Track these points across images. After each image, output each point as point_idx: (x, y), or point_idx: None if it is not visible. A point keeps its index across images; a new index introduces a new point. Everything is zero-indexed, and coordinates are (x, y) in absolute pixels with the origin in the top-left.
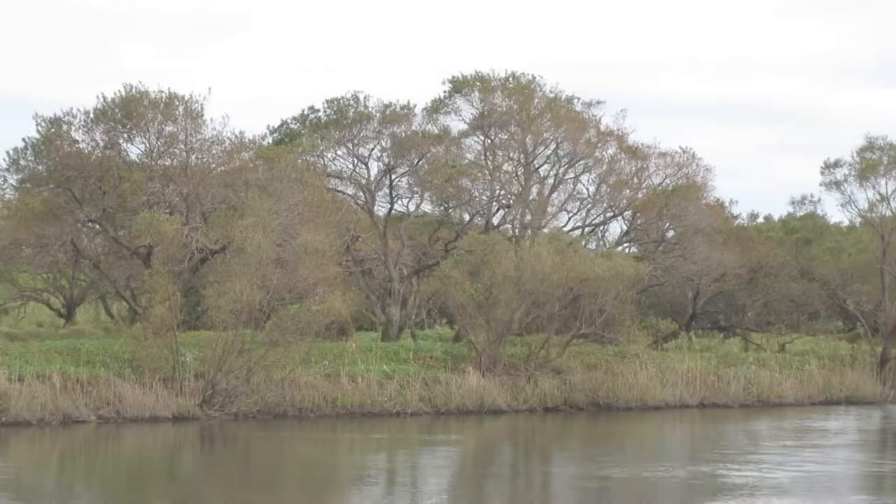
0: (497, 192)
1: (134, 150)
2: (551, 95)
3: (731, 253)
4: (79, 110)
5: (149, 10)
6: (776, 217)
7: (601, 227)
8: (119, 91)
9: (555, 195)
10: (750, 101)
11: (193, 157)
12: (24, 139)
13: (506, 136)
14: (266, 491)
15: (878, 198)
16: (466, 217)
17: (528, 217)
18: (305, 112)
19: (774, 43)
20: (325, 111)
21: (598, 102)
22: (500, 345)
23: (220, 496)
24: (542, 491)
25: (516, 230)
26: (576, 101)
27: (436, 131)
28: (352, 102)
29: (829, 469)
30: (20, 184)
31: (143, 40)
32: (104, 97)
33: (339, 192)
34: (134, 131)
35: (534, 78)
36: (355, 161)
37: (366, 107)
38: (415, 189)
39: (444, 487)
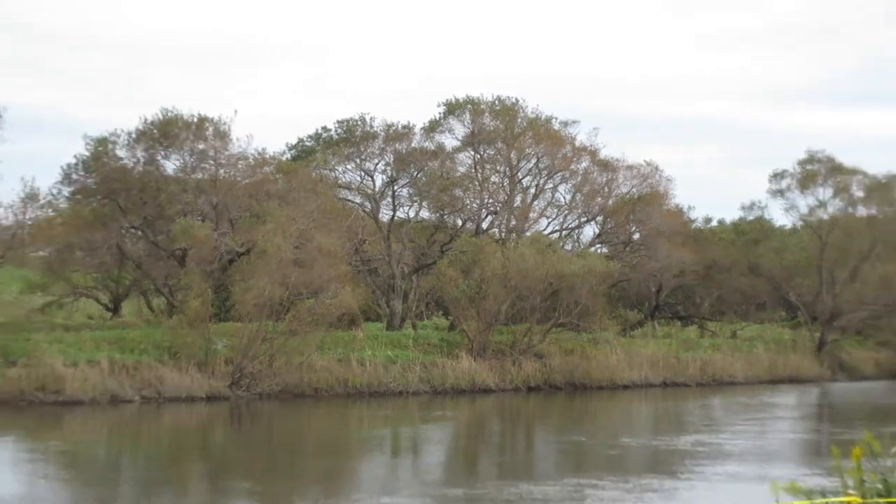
0: (486, 200)
1: (170, 166)
2: (532, 116)
3: (689, 252)
4: (122, 131)
5: (183, 44)
6: (728, 221)
7: (576, 231)
8: (157, 114)
9: (536, 203)
10: (706, 120)
11: (222, 171)
12: (75, 156)
13: (493, 152)
14: (287, 458)
15: (817, 203)
16: (459, 222)
17: (513, 222)
18: (319, 131)
19: (725, 71)
20: (336, 130)
21: (574, 122)
22: (489, 333)
23: (247, 463)
24: (525, 456)
25: (503, 233)
26: (554, 120)
27: (432, 148)
28: (359, 123)
29: (775, 438)
30: (72, 195)
31: (178, 69)
32: (145, 119)
33: (348, 201)
34: (170, 149)
35: (517, 101)
36: (362, 174)
37: (371, 127)
38: (414, 198)
39: (442, 454)
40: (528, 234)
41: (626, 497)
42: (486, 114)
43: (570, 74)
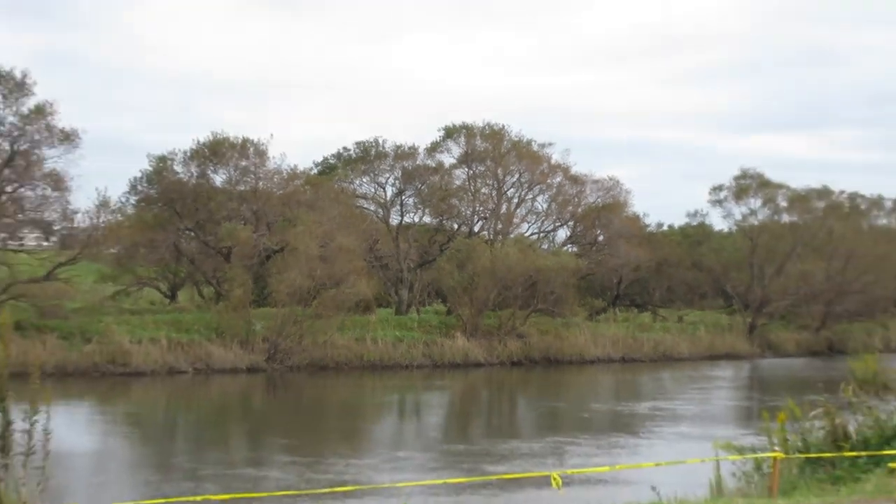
0: (477, 208)
1: (218, 179)
2: (516, 139)
3: (644, 251)
4: (179, 150)
5: (230, 79)
6: (676, 225)
7: (551, 233)
8: (208, 136)
9: (518, 210)
10: (657, 142)
11: (260, 183)
12: (140, 171)
13: (483, 168)
14: (315, 418)
15: (749, 212)
16: (455, 226)
17: (499, 226)
18: (340, 151)
19: (678, 104)
20: (354, 150)
21: (550, 144)
22: (480, 317)
23: (282, 422)
24: (511, 418)
25: (491, 235)
26: (533, 142)
27: (433, 165)
28: (373, 144)
29: (716, 404)
30: (137, 203)
31: (226, 100)
32: (197, 141)
33: (364, 208)
34: (218, 165)
35: (503, 126)
36: (376, 186)
37: (383, 147)
38: (418, 206)
39: (442, 416)
40: (511, 236)
41: (598, 452)
42: (478, 137)
43: (548, 106)
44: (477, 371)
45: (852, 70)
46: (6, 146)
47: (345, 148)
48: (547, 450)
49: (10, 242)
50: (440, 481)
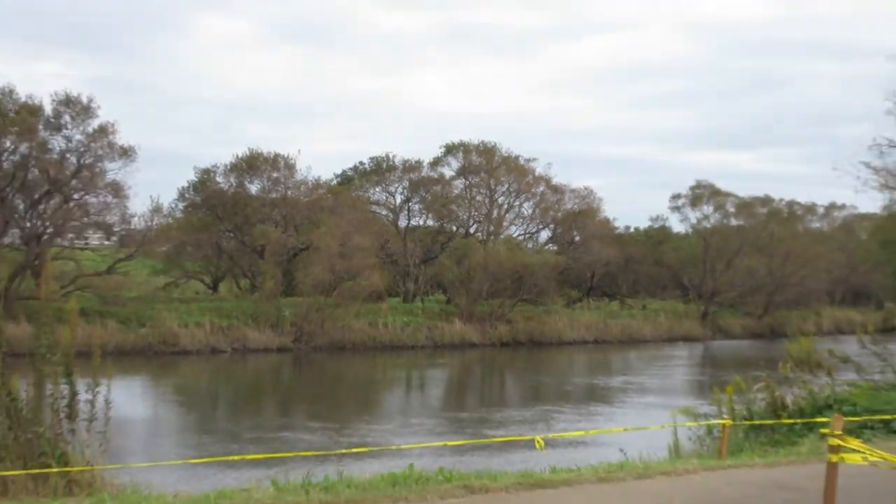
0: (472, 213)
1: (253, 188)
2: (506, 155)
3: (613, 250)
4: (220, 163)
5: (265, 103)
6: (641, 228)
7: (535, 234)
8: (245, 152)
9: (507, 215)
10: (627, 157)
11: (289, 192)
12: (187, 181)
13: (478, 179)
14: (333, 387)
15: (702, 216)
16: (454, 228)
17: (491, 228)
18: (356, 164)
19: (643, 123)
20: (368, 164)
21: (534, 158)
22: (474, 305)
23: (307, 390)
24: (504, 390)
25: (484, 236)
26: (520, 157)
27: (435, 176)
28: (384, 159)
29: (676, 379)
30: (185, 208)
31: (261, 121)
32: (236, 156)
33: (376, 213)
34: (253, 176)
35: (495, 144)
36: (387, 194)
37: (393, 162)
38: (423, 211)
39: (444, 389)
40: (501, 236)
41: (580, 418)
42: (473, 153)
43: (533, 125)
44: (472, 351)
45: (786, 95)
46: (74, 160)
47: (360, 162)
48: (537, 416)
49: (76, 242)
50: (451, 443)
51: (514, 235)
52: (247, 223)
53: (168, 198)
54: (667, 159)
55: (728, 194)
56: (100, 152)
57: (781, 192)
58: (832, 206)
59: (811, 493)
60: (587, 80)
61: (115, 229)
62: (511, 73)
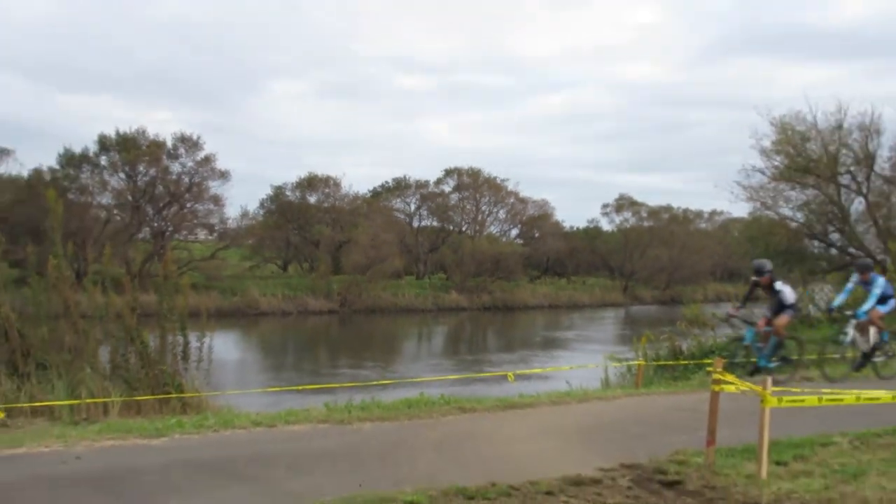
0: (464, 217)
1: (312, 199)
2: (487, 176)
3: (562, 243)
4: (288, 182)
5: (317, 139)
6: (581, 227)
7: (507, 232)
8: (305, 174)
9: (488, 219)
10: (572, 178)
11: (336, 202)
12: (266, 195)
13: (468, 194)
14: (368, 339)
15: (624, 220)
16: (451, 228)
17: (477, 228)
18: (383, 183)
19: (583, 152)
20: (391, 183)
21: (507, 179)
22: (465, 281)
23: (350, 341)
24: (489, 341)
25: (472, 233)
26: (497, 178)
27: (438, 191)
28: (403, 179)
29: (608, 333)
30: (264, 214)
31: (318, 151)
32: (299, 177)
33: (397, 217)
34: (311, 192)
35: (479, 169)
36: (404, 204)
37: (408, 181)
38: (429, 216)
39: (446, 340)
40: (484, 233)
41: (549, 358)
42: (465, 175)
43: (506, 155)
44: (463, 313)
45: (686, 134)
46: (187, 180)
47: (386, 181)
48: (518, 359)
49: (189, 237)
50: (450, 377)
51: (493, 233)
52: (307, 224)
53: (252, 206)
54: (599, 179)
55: (642, 204)
56: (205, 174)
57: (679, 202)
58: (714, 213)
59: (700, 412)
60: (545, 123)
61: (216, 228)
62: (492, 119)
